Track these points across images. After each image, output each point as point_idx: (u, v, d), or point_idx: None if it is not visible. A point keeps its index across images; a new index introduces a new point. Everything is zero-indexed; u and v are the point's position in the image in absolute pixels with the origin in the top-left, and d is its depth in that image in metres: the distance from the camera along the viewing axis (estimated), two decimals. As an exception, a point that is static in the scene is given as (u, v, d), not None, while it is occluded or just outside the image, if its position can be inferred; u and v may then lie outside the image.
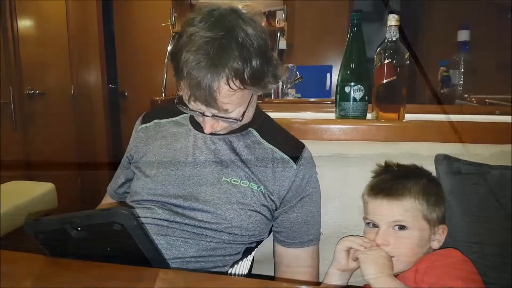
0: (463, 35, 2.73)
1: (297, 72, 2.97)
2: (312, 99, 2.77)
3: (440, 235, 0.97)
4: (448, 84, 2.88)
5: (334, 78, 3.50)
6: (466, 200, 1.03)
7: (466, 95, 2.51)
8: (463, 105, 2.16)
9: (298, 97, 3.03)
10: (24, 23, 2.84)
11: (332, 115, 1.41)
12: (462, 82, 2.76)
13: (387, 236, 0.94)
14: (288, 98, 2.91)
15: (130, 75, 3.96)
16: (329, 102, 2.47)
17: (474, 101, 2.25)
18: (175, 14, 3.33)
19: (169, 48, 2.95)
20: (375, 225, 0.97)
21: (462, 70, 2.77)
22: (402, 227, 0.93)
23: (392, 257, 0.93)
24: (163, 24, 3.33)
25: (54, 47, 3.19)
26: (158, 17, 3.56)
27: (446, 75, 2.91)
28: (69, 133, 3.34)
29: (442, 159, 1.07)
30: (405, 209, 0.94)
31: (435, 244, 0.97)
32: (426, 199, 0.95)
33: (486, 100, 2.18)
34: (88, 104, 3.59)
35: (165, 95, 2.96)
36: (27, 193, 2.08)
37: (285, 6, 3.26)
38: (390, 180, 0.99)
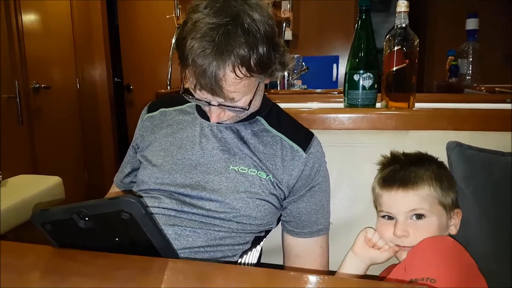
0: (471, 24, 2.68)
1: (303, 63, 2.94)
2: (319, 90, 2.75)
3: (456, 219, 0.97)
4: (456, 73, 2.85)
5: (340, 68, 3.47)
6: (478, 187, 1.01)
7: (475, 84, 2.47)
8: (473, 94, 2.12)
9: (305, 88, 3.01)
10: (29, 18, 2.83)
11: (339, 106, 1.39)
12: (470, 71, 2.73)
13: (406, 227, 0.93)
14: (294, 89, 2.88)
15: (135, 68, 3.96)
16: (336, 93, 2.45)
17: (484, 90, 2.22)
18: (179, 6, 3.30)
19: (173, 40, 2.93)
20: (390, 217, 0.96)
21: (471, 59, 2.73)
22: (420, 216, 0.92)
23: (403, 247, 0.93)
24: (167, 16, 3.30)
25: (59, 41, 3.18)
26: (162, 10, 3.53)
27: (454, 65, 2.87)
28: (75, 126, 3.34)
29: (454, 147, 1.05)
30: (421, 197, 0.93)
31: (453, 230, 0.96)
32: (439, 184, 0.94)
33: (496, 89, 2.14)
34: (94, 98, 3.59)
35: (170, 87, 2.95)
36: (35, 187, 2.08)
37: (291, -4, 3.23)
38: (401, 170, 0.97)
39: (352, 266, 0.99)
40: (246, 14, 0.84)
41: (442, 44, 3.25)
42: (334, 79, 3.49)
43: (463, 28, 2.70)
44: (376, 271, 1.03)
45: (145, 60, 3.86)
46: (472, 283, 0.84)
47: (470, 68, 2.73)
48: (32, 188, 2.07)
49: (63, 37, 3.21)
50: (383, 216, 0.98)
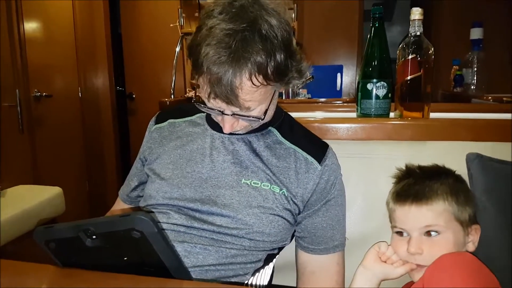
0: (476, 33, 2.67)
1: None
2: (323, 99, 2.71)
3: (474, 236, 0.92)
4: (461, 83, 2.82)
5: (344, 78, 3.44)
6: (500, 200, 0.97)
7: (480, 94, 2.44)
8: (483, 104, 2.09)
9: (309, 97, 2.98)
10: (31, 25, 2.80)
11: (346, 115, 1.35)
12: (475, 81, 2.71)
13: (420, 244, 0.88)
14: (299, 98, 2.86)
15: (138, 77, 3.93)
16: (340, 102, 2.42)
17: (491, 100, 2.18)
18: (183, 15, 3.28)
19: (177, 49, 2.91)
20: (404, 234, 0.92)
21: (475, 69, 2.71)
22: (434, 233, 0.88)
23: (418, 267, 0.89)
24: (171, 25, 3.28)
25: (61, 49, 3.15)
26: (166, 18, 3.52)
27: (459, 74, 2.85)
28: (76, 135, 3.30)
29: (474, 158, 1.01)
30: (436, 212, 0.88)
31: (470, 246, 0.92)
32: (455, 198, 0.90)
33: (504, 99, 2.11)
34: (96, 106, 3.55)
35: (173, 96, 2.91)
36: (35, 198, 2.04)
37: (295, 5, 3.20)
38: (415, 184, 0.93)
39: (364, 281, 0.94)
40: (264, 20, 0.80)
41: (446, 53, 3.22)
42: (338, 88, 3.45)
43: (468, 37, 2.67)
44: None
45: (148, 69, 3.83)
46: None
47: (475, 78, 2.71)
48: (32, 199, 2.03)
49: (65, 45, 3.18)
50: (397, 232, 0.94)
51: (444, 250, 0.86)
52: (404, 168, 1.03)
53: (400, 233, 0.93)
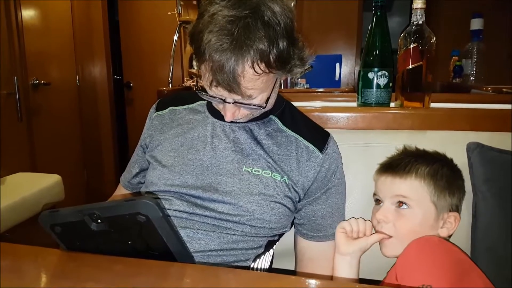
0: (476, 24, 2.66)
1: (306, 62, 2.90)
2: (321, 89, 2.71)
3: (451, 224, 0.94)
4: (460, 74, 2.82)
5: (343, 68, 3.43)
6: (501, 190, 0.98)
7: (479, 85, 2.44)
8: (482, 94, 2.09)
9: (307, 87, 2.98)
10: (29, 13, 2.78)
11: (345, 105, 1.35)
12: (474, 72, 2.70)
13: (387, 212, 0.93)
14: (297, 88, 2.85)
15: (136, 66, 3.90)
16: (339, 92, 2.42)
17: (490, 91, 2.18)
18: (182, 3, 3.26)
19: (175, 37, 2.89)
20: (380, 202, 0.97)
21: (475, 59, 2.71)
22: (404, 205, 0.92)
23: (390, 236, 0.92)
24: (169, 13, 3.26)
25: (59, 37, 3.13)
26: (164, 7, 3.49)
27: (458, 65, 2.84)
28: (74, 124, 3.29)
29: (474, 148, 1.02)
30: (410, 186, 0.93)
31: (444, 232, 0.94)
32: (433, 182, 0.93)
33: (504, 89, 2.11)
34: (93, 95, 3.54)
35: (171, 85, 2.90)
36: (34, 185, 2.04)
37: (294, -6, 3.18)
38: (401, 160, 0.98)
39: (345, 266, 0.96)
40: (267, 7, 0.80)
41: (445, 44, 3.22)
42: (337, 78, 3.46)
43: (468, 28, 2.67)
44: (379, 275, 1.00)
45: (145, 57, 3.81)
46: (467, 278, 0.81)
47: (474, 69, 2.70)
48: (31, 186, 2.03)
49: (63, 33, 3.16)
50: (376, 201, 1.00)
51: (409, 224, 0.91)
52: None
53: (378, 201, 0.98)
